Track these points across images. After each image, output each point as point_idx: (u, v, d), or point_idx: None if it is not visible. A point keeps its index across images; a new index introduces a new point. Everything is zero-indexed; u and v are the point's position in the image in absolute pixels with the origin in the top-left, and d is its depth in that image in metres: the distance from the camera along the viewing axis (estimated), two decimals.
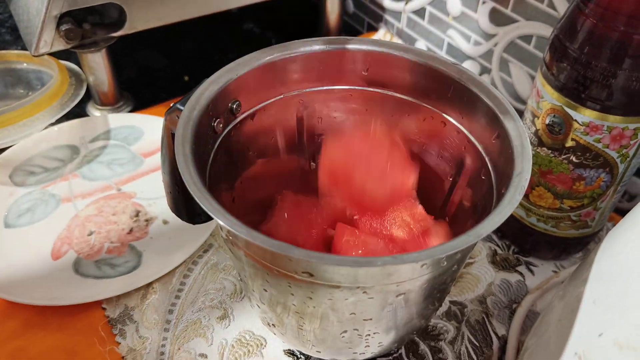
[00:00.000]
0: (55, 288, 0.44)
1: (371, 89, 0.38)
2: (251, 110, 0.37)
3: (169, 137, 0.34)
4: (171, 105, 0.34)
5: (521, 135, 0.31)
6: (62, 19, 0.54)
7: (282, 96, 0.38)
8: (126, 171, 0.56)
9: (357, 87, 0.39)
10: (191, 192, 0.27)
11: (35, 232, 0.50)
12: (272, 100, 0.37)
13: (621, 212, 0.53)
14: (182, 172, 0.28)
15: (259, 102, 0.37)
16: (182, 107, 0.33)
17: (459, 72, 0.35)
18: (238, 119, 0.36)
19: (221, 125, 0.34)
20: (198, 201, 0.26)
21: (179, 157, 0.29)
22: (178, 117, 0.33)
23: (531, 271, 0.48)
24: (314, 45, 0.37)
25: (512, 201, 0.27)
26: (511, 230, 0.49)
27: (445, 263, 0.28)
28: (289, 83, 0.38)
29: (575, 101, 0.38)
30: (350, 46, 0.37)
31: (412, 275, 0.27)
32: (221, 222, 0.26)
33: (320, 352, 0.34)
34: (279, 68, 0.37)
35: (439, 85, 0.36)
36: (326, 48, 0.37)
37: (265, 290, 0.31)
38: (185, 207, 0.38)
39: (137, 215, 0.51)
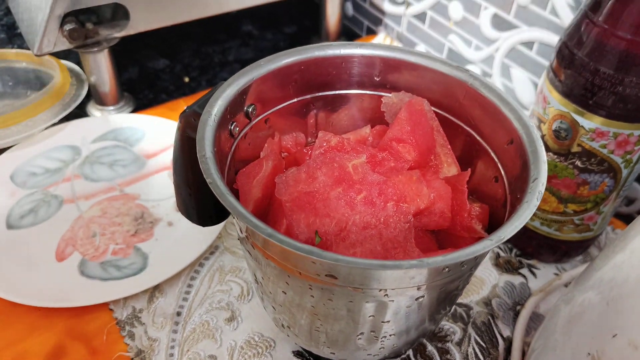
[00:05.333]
0: (61, 290, 0.44)
1: (383, 94, 0.39)
2: (265, 114, 0.37)
3: (184, 140, 0.35)
4: (186, 108, 0.34)
5: (535, 141, 0.31)
6: (65, 18, 0.54)
7: (295, 100, 0.38)
8: (129, 172, 0.56)
9: (368, 92, 0.39)
10: (216, 195, 0.27)
11: (38, 234, 0.49)
12: (286, 104, 0.38)
13: (620, 217, 0.54)
14: (205, 175, 0.28)
15: (273, 106, 0.37)
16: (199, 110, 0.33)
17: (472, 77, 0.36)
18: (252, 123, 0.36)
19: (237, 128, 0.35)
20: (223, 204, 0.27)
21: (201, 160, 0.29)
22: (194, 120, 0.33)
23: (533, 274, 0.49)
24: (328, 50, 0.37)
25: (531, 206, 0.28)
26: (514, 234, 0.50)
27: (465, 266, 0.28)
28: (302, 87, 0.38)
29: (582, 107, 0.39)
30: (363, 51, 0.38)
31: (432, 278, 0.28)
32: (248, 225, 0.26)
33: (334, 353, 0.35)
34: (293, 72, 0.37)
35: (451, 91, 0.37)
36: (339, 53, 0.37)
37: (284, 292, 0.31)
38: (195, 209, 0.38)
39: (141, 217, 0.51)
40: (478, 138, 0.36)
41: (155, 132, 0.60)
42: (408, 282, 0.27)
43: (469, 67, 0.65)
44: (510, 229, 0.26)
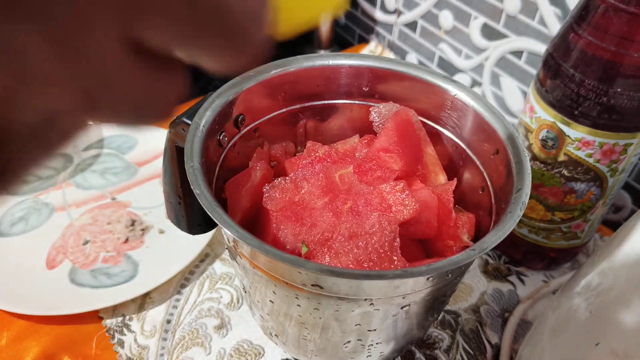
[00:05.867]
0: (51, 298, 0.44)
1: (372, 104, 0.39)
2: (254, 124, 0.37)
3: (173, 149, 0.35)
4: (175, 117, 0.34)
5: (520, 152, 0.32)
6: None
7: (284, 110, 0.38)
8: (120, 180, 0.56)
9: (357, 102, 0.40)
10: (203, 206, 0.27)
11: (29, 241, 0.49)
12: (275, 113, 0.38)
13: (608, 223, 0.54)
14: (192, 186, 0.28)
15: (262, 116, 0.37)
16: (187, 121, 0.33)
17: (458, 88, 0.36)
18: (241, 132, 0.36)
19: (226, 138, 0.35)
20: (210, 214, 0.27)
21: (189, 171, 0.29)
22: (183, 130, 0.33)
23: (522, 281, 0.49)
24: (317, 61, 0.38)
25: (514, 217, 0.28)
26: (502, 241, 0.50)
27: (450, 275, 0.29)
28: (291, 97, 0.38)
29: (568, 117, 0.39)
30: (352, 62, 0.38)
31: (417, 288, 0.28)
32: (234, 236, 0.26)
33: None
34: (282, 82, 0.37)
35: (438, 101, 0.37)
36: (328, 64, 0.38)
37: (271, 302, 0.31)
38: (185, 218, 0.38)
39: (132, 225, 0.51)
40: (465, 148, 0.37)
41: (147, 139, 0.60)
42: (393, 291, 0.27)
43: (459, 75, 0.65)
44: (493, 239, 0.27)
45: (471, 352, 0.43)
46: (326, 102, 0.39)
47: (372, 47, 0.77)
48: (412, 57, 0.72)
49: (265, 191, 0.32)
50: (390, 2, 0.71)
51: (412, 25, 0.69)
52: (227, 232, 0.27)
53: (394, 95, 0.39)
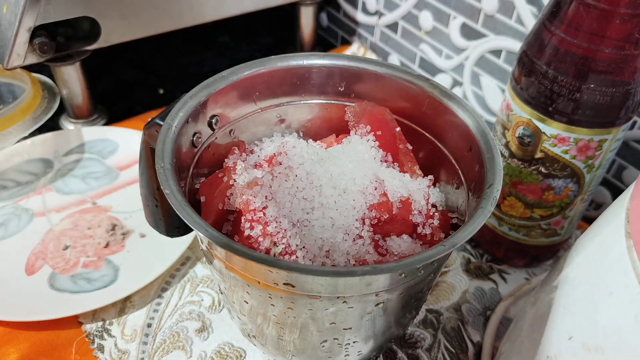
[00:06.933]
0: (30, 303, 0.44)
1: (348, 103, 0.39)
2: (229, 124, 0.37)
3: (148, 152, 0.35)
4: (150, 119, 0.34)
5: (492, 149, 0.32)
6: (35, 32, 0.54)
7: (259, 110, 0.38)
8: (101, 185, 0.56)
9: (333, 101, 0.40)
10: (172, 206, 0.27)
11: (8, 247, 0.49)
12: (250, 114, 0.38)
13: (589, 220, 0.55)
14: (162, 186, 0.28)
15: (237, 116, 0.37)
16: (161, 122, 0.33)
17: (432, 86, 0.36)
18: (216, 133, 0.36)
19: (200, 139, 0.35)
20: (179, 214, 0.27)
21: (159, 171, 0.29)
22: (157, 132, 0.33)
23: (504, 279, 0.49)
24: (291, 61, 0.38)
25: (485, 212, 0.28)
26: (484, 240, 0.50)
27: (422, 272, 0.29)
28: (266, 97, 0.38)
29: (543, 114, 0.39)
30: (326, 61, 0.38)
31: (390, 285, 0.28)
32: (202, 235, 0.26)
33: None
34: (257, 82, 0.37)
35: (413, 100, 0.37)
36: (303, 63, 0.38)
37: (246, 302, 0.31)
38: (163, 221, 0.38)
39: (113, 229, 0.51)
40: (440, 146, 0.37)
41: (129, 144, 0.59)
42: (365, 288, 0.27)
43: (441, 75, 0.65)
44: (463, 235, 0.27)
45: (453, 350, 0.43)
46: (302, 102, 0.39)
47: (355, 49, 0.77)
48: (394, 58, 0.72)
49: (233, 191, 0.32)
50: (371, 3, 0.72)
51: (393, 27, 0.70)
52: (199, 232, 0.27)
53: (369, 94, 0.39)
